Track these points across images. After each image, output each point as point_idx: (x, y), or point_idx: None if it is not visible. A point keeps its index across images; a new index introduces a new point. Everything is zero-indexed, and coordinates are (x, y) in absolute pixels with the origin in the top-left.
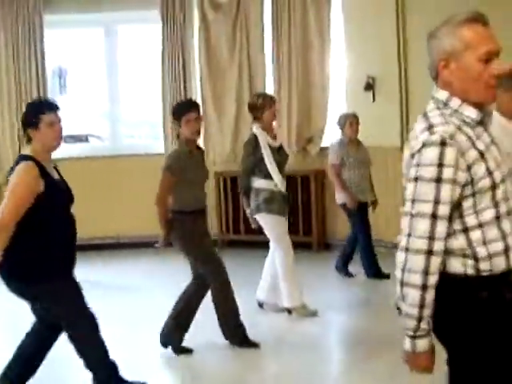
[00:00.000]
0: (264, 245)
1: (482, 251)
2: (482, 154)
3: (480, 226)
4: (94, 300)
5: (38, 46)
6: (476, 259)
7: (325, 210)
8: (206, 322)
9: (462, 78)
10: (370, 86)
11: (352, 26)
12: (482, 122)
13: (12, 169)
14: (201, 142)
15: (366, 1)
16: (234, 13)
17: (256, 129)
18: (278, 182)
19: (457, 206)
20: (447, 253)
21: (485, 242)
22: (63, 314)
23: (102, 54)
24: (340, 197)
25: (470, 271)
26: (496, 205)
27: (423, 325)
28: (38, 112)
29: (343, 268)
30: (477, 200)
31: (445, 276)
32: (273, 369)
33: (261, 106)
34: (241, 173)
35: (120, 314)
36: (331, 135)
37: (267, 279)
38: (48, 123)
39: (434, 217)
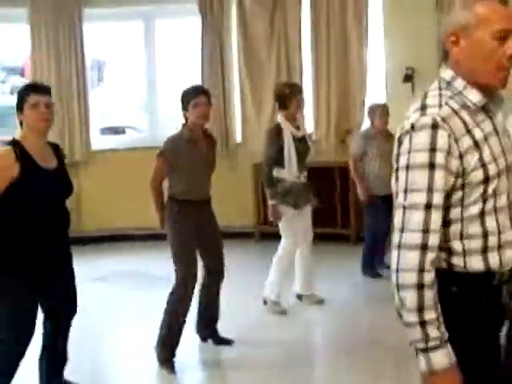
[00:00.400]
0: None
1: (456, 245)
2: (476, 143)
3: (462, 220)
4: (143, 291)
5: (78, 40)
6: (450, 253)
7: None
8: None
9: (471, 55)
10: (409, 78)
11: (391, 17)
12: (486, 109)
13: None
14: (239, 134)
15: None
16: (271, 5)
17: (280, 118)
18: (293, 173)
19: (446, 197)
20: None
21: (462, 237)
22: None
23: (141, 47)
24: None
25: (444, 265)
26: (485, 200)
27: (432, 332)
28: (23, 94)
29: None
30: (466, 193)
31: None
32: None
33: (288, 96)
34: (263, 162)
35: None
36: None
37: (300, 272)
38: (31, 104)
39: (428, 207)
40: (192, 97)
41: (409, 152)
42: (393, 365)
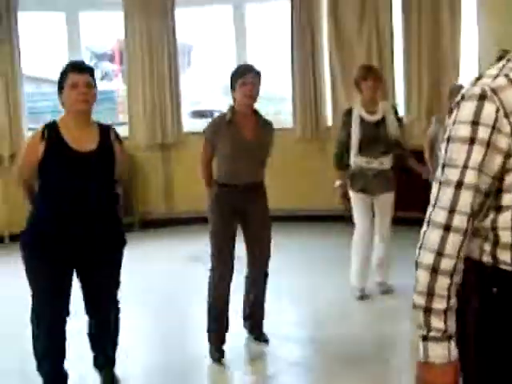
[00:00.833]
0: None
1: (504, 237)
2: None
3: None
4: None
5: (170, 25)
6: (496, 245)
7: None
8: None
9: None
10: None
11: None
12: None
13: None
14: (329, 118)
15: None
16: None
17: (355, 101)
18: (360, 158)
19: (498, 179)
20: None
21: None
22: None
23: (230, 31)
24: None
25: (486, 259)
26: None
27: (436, 323)
28: (63, 74)
29: None
30: None
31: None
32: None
33: (357, 78)
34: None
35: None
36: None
37: (373, 259)
38: (70, 84)
39: (459, 185)
40: (240, 75)
41: (453, 123)
42: None
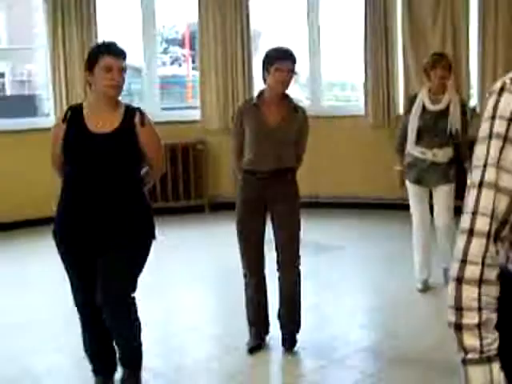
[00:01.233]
0: None
1: None
2: None
3: None
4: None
5: (244, 11)
6: None
7: None
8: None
9: None
10: None
11: None
12: None
13: None
14: (401, 103)
15: None
16: None
17: (422, 89)
18: (415, 147)
19: None
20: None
21: None
22: None
23: (303, 17)
24: None
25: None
26: None
27: (468, 340)
28: (96, 54)
29: None
30: None
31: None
32: None
33: (425, 65)
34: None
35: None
36: None
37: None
38: (104, 67)
39: (480, 184)
40: (276, 60)
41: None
42: None
